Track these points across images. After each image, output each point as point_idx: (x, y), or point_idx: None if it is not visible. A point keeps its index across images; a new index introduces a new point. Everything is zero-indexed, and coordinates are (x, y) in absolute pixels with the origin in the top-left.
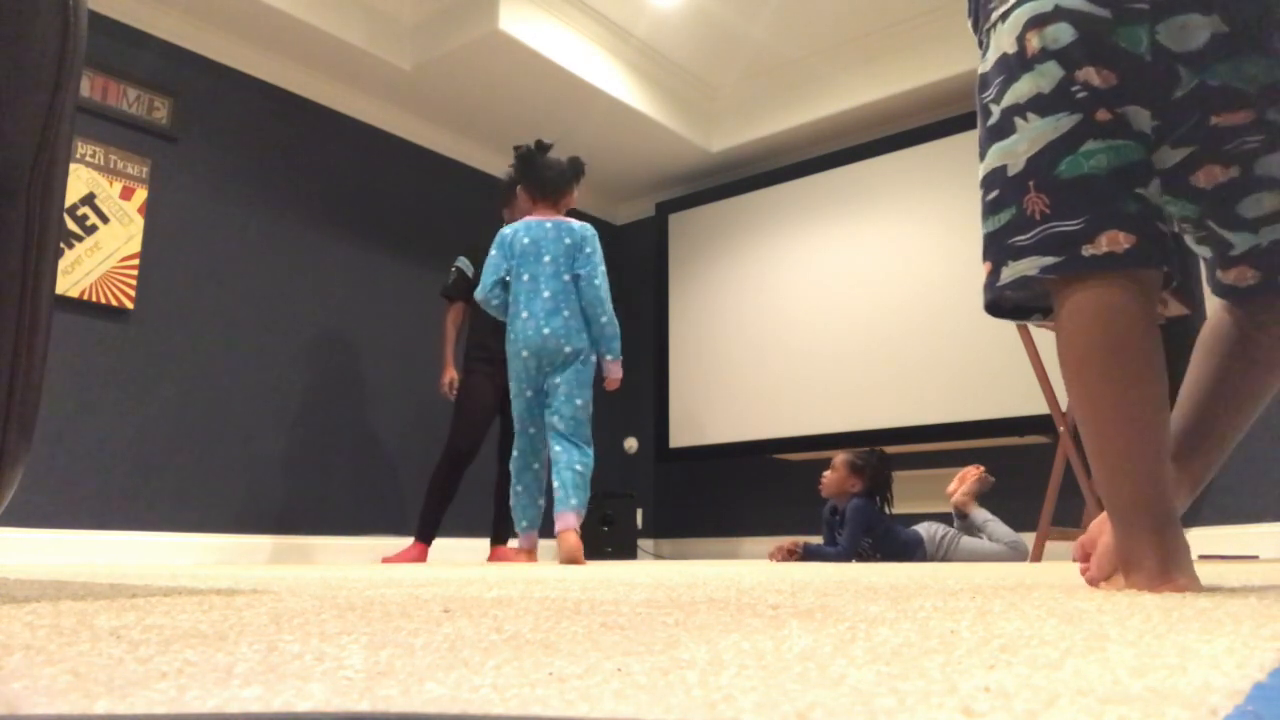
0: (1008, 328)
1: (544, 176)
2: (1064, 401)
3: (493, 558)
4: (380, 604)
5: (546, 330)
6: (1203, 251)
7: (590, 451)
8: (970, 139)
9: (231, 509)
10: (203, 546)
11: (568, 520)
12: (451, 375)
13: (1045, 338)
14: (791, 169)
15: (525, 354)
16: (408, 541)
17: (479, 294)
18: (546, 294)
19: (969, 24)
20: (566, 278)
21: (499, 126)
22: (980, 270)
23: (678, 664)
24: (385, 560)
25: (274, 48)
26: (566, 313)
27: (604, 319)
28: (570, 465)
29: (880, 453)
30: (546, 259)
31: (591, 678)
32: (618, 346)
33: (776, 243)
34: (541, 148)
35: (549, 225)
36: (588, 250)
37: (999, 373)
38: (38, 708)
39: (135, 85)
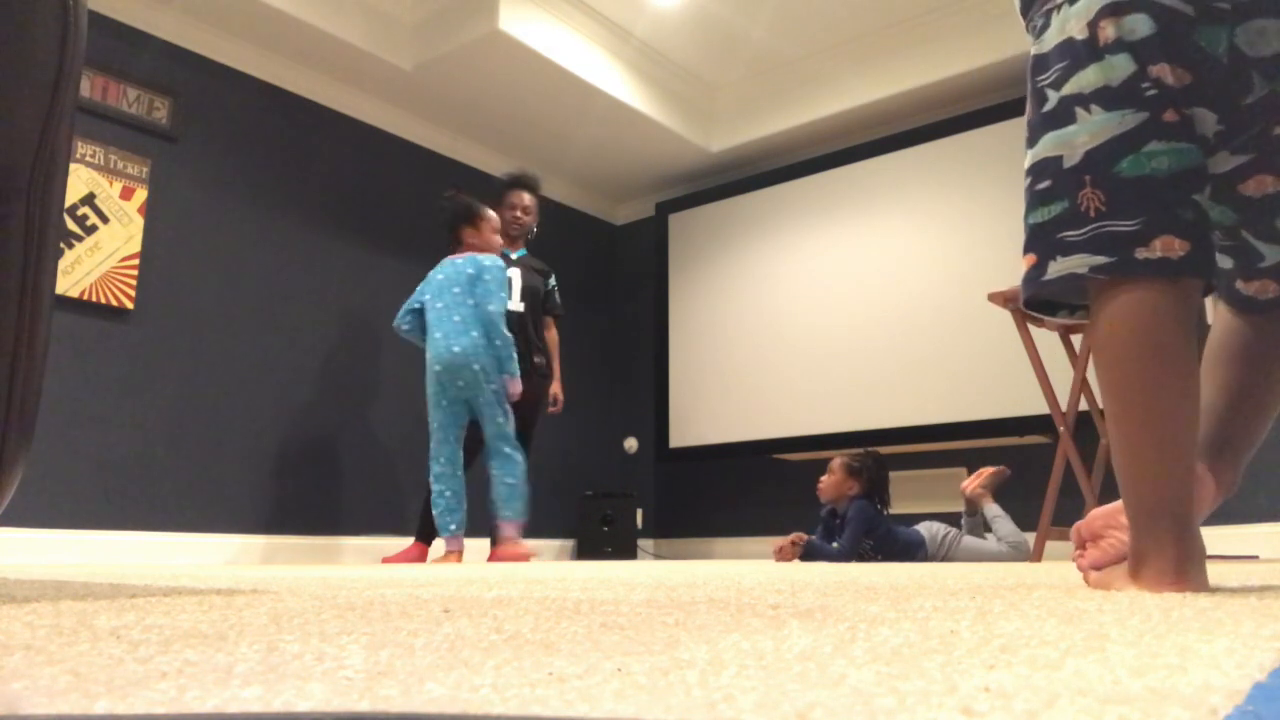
0: (1007, 328)
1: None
2: (1064, 401)
3: (493, 558)
4: (380, 604)
5: (456, 349)
6: (1223, 261)
7: (518, 457)
8: (970, 139)
9: (231, 509)
10: (203, 546)
11: (506, 530)
12: None
13: (1045, 338)
14: (791, 169)
15: (438, 368)
16: (408, 541)
17: (394, 322)
18: (456, 318)
19: (1016, 3)
20: (471, 303)
21: (499, 126)
22: (982, 269)
23: (678, 664)
24: (385, 560)
25: (274, 48)
26: (475, 333)
27: (498, 341)
28: (501, 480)
29: (876, 454)
30: (456, 290)
31: (591, 678)
32: (513, 366)
33: (776, 243)
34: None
35: (460, 260)
36: (485, 278)
37: (999, 373)
38: (38, 708)
39: (135, 85)
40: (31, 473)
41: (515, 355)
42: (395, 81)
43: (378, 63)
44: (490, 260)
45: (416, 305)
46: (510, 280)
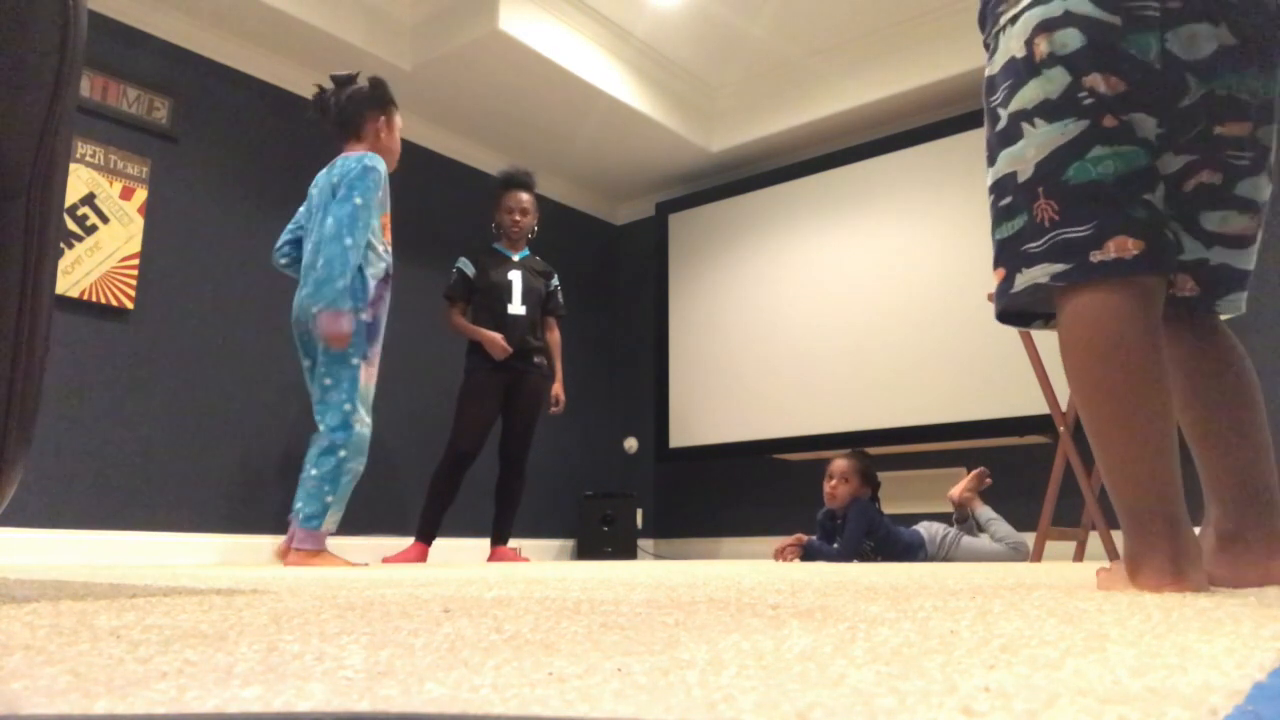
0: (1007, 328)
1: (334, 112)
2: (1064, 401)
3: (493, 558)
4: (380, 604)
5: (303, 291)
6: None
7: (339, 440)
8: (970, 139)
9: (231, 509)
10: (203, 546)
11: (293, 535)
12: (497, 337)
13: (1046, 338)
14: (791, 169)
15: (292, 322)
16: (408, 541)
17: (272, 254)
18: (309, 246)
19: (979, 27)
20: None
21: (499, 126)
22: (982, 268)
23: (678, 664)
24: (385, 560)
25: (274, 48)
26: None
27: (320, 261)
28: (309, 467)
29: (867, 453)
30: (318, 212)
31: (591, 678)
32: (326, 292)
33: (776, 243)
34: (338, 81)
35: (327, 169)
36: (342, 184)
37: (999, 373)
38: (38, 708)
39: (135, 85)
40: (31, 473)
41: (341, 280)
42: (395, 81)
43: (378, 63)
44: (364, 158)
45: (296, 231)
46: (519, 275)
